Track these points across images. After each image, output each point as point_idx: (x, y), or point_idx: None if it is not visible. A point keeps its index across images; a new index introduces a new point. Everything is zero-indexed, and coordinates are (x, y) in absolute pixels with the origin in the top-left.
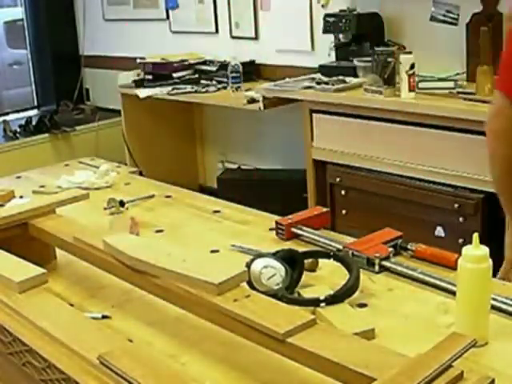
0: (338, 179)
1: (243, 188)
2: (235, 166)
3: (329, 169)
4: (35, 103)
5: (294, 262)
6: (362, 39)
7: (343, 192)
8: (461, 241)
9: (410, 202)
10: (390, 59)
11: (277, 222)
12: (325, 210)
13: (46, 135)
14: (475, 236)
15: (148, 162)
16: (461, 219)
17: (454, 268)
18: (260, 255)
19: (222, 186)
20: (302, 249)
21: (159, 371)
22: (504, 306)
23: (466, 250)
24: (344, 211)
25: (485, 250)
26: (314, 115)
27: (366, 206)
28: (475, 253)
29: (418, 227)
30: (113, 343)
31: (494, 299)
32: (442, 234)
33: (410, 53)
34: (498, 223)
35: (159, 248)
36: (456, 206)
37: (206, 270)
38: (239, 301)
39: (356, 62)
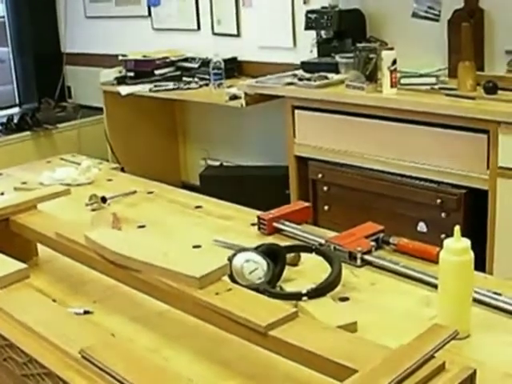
0: (320, 175)
1: (226, 185)
2: (218, 163)
3: (311, 165)
4: (17, 101)
5: (275, 257)
6: (344, 36)
7: (325, 188)
8: (443, 236)
9: (392, 198)
10: (371, 55)
11: (259, 217)
12: (306, 204)
13: (28, 133)
14: (456, 229)
15: (130, 160)
16: (443, 214)
17: (435, 262)
18: (242, 250)
19: (204, 182)
20: (283, 243)
21: (141, 365)
22: (486, 299)
23: (447, 242)
24: (326, 207)
25: (466, 242)
26: (296, 111)
27: (348, 202)
28: (457, 245)
29: (401, 223)
30: (95, 338)
31: (476, 292)
32: (425, 230)
33: (391, 49)
34: (479, 218)
35: (141, 242)
36: (438, 201)
37: (187, 264)
38: (221, 294)
39: (338, 59)
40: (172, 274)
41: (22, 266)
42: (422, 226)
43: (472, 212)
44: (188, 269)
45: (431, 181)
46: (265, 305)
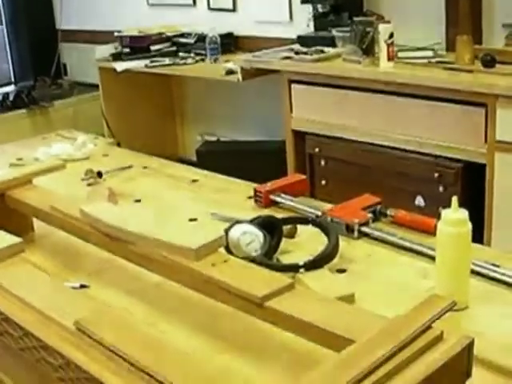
0: (316, 149)
1: (223, 160)
2: (214, 139)
3: (308, 139)
4: (12, 79)
5: (272, 229)
6: (341, 9)
7: (322, 162)
8: (441, 210)
9: (390, 172)
10: (368, 29)
11: (255, 190)
12: (303, 177)
13: (24, 111)
14: (454, 199)
15: (127, 136)
16: (441, 188)
17: (433, 234)
18: (238, 222)
19: (201, 158)
20: (280, 216)
21: (137, 336)
22: (484, 271)
23: (445, 213)
24: (323, 181)
25: (464, 213)
26: (293, 86)
27: (345, 176)
28: (454, 216)
29: (398, 197)
30: (90, 310)
31: (474, 264)
32: (422, 204)
33: (388, 22)
34: (477, 192)
35: (137, 215)
36: (436, 175)
37: (183, 236)
38: (217, 266)
39: (335, 33)
40: (168, 246)
41: (17, 239)
42: (419, 200)
43: (470, 186)
44: (184, 240)
45: (429, 155)
46: (261, 276)
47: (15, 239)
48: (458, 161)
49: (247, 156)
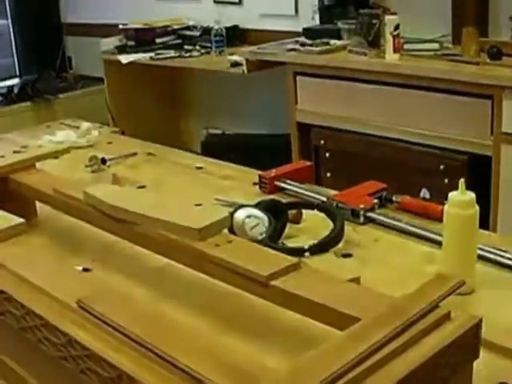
0: (322, 142)
1: (227, 153)
2: (219, 132)
3: (313, 131)
4: (17, 73)
5: (277, 213)
6: (346, 2)
7: (328, 154)
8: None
9: (395, 164)
10: (374, 21)
11: (260, 176)
12: (308, 163)
13: (28, 103)
14: (461, 181)
15: (131, 128)
16: (446, 180)
17: (439, 219)
18: (243, 206)
19: (206, 151)
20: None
21: (141, 314)
22: (491, 256)
23: (452, 195)
24: (329, 174)
25: (471, 195)
26: (298, 77)
27: (350, 168)
28: (462, 198)
29: (404, 189)
30: (93, 289)
31: (481, 249)
32: (428, 196)
33: (394, 13)
34: (483, 185)
35: (140, 197)
36: (442, 167)
37: (187, 217)
38: (221, 246)
39: (340, 25)
40: (171, 227)
41: (20, 220)
42: (425, 192)
43: (475, 178)
44: (188, 221)
45: (435, 147)
46: (266, 256)
47: (18, 219)
48: (463, 153)
49: (252, 149)
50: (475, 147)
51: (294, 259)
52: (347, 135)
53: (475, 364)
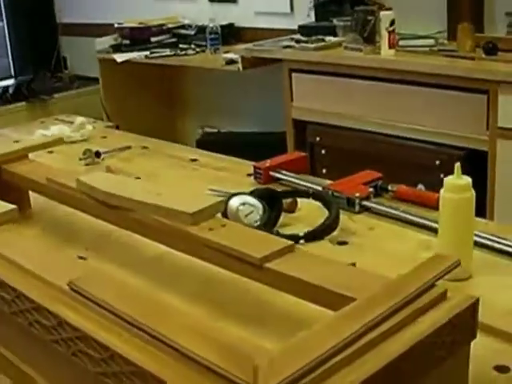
0: (317, 138)
1: (223, 152)
2: (215, 130)
3: (309, 128)
4: (12, 73)
5: (272, 201)
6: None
7: (323, 151)
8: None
9: (391, 160)
10: (369, 17)
11: (254, 167)
12: (303, 154)
13: (24, 103)
14: (457, 165)
15: (126, 127)
16: (442, 175)
17: (435, 208)
18: (237, 194)
19: (201, 149)
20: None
21: (133, 296)
22: (488, 242)
23: (447, 180)
24: (324, 170)
25: (467, 179)
26: (294, 74)
27: (346, 165)
28: (457, 182)
29: (399, 184)
30: (85, 272)
31: (477, 236)
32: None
33: (389, 9)
34: (479, 180)
35: (134, 184)
36: (437, 162)
37: (180, 202)
38: (215, 230)
39: (335, 22)
40: (165, 212)
41: (11, 206)
42: (421, 188)
43: (471, 173)
44: (181, 206)
45: (430, 142)
46: (260, 238)
47: (9, 206)
48: (459, 148)
49: (247, 147)
50: (471, 142)
51: (289, 241)
52: (343, 132)
53: (472, 345)
